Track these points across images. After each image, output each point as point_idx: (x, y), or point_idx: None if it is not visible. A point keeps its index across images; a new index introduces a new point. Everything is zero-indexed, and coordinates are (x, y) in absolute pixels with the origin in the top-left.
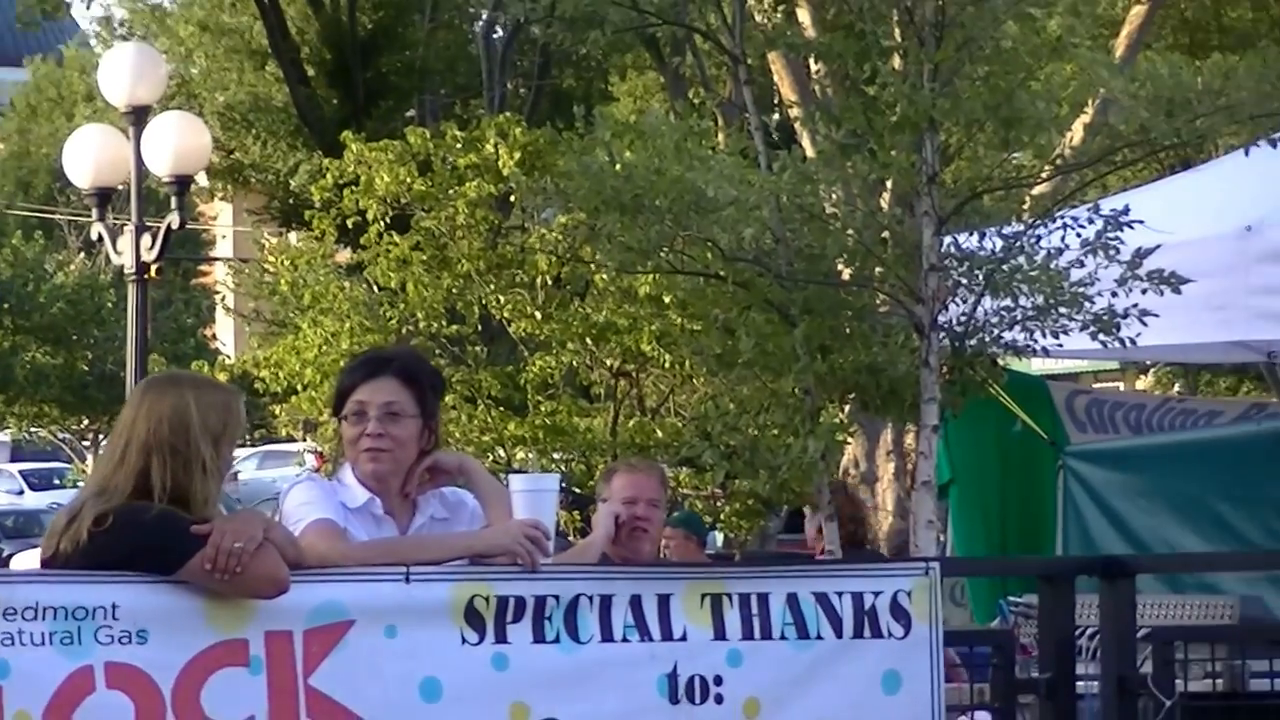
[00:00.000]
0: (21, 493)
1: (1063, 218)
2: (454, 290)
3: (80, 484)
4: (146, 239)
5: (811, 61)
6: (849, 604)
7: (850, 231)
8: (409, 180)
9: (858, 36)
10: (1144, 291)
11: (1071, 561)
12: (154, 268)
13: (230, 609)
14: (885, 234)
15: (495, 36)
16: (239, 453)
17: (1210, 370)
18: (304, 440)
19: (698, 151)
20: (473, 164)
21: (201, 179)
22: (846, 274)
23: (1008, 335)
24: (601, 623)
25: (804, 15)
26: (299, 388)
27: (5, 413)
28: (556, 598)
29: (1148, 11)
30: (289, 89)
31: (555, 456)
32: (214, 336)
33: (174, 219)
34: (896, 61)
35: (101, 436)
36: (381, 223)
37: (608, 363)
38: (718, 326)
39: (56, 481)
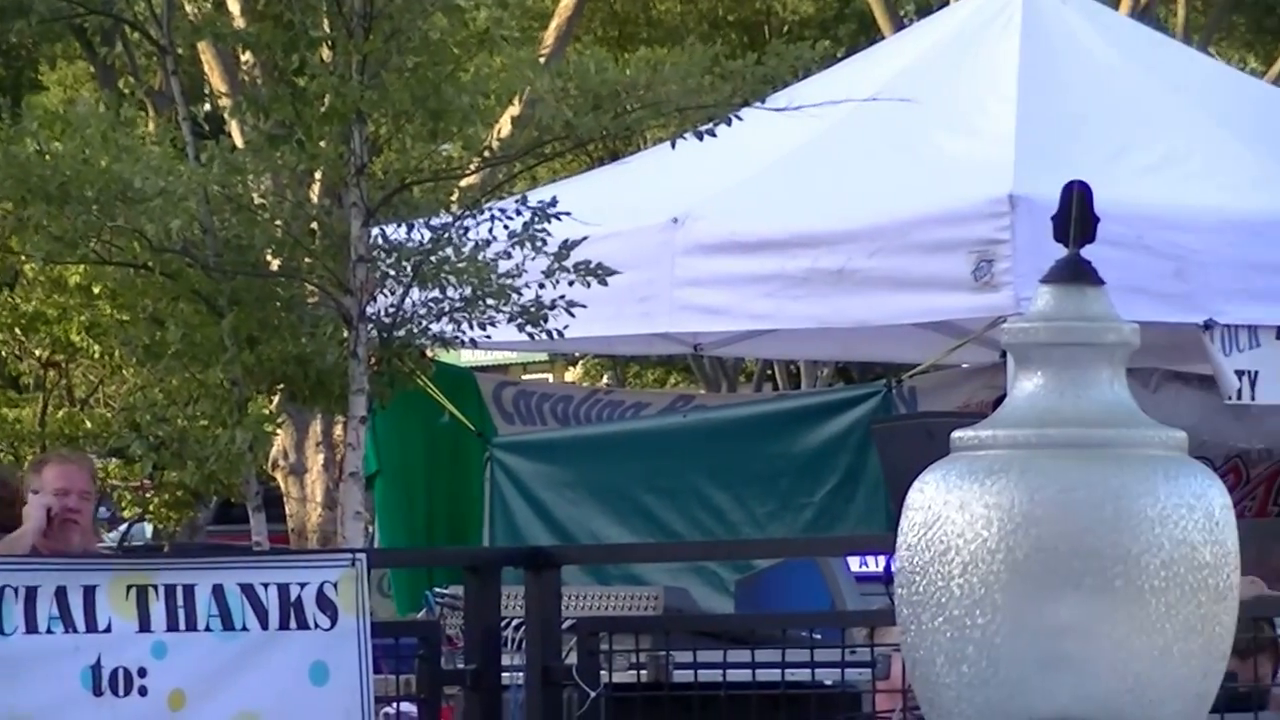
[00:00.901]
0: None
1: (491, 209)
2: None
3: None
4: None
5: (241, 52)
6: (274, 595)
7: (278, 222)
8: None
9: (286, 27)
10: (571, 283)
11: (497, 552)
12: None
13: None
14: (314, 225)
15: None
16: None
17: (638, 362)
18: None
19: (125, 142)
20: None
21: None
22: (275, 265)
23: (436, 327)
24: (26, 615)
25: (234, 5)
26: None
27: None
28: None
29: (576, 4)
30: None
31: None
32: None
33: None
34: (325, 53)
35: None
36: None
37: (37, 353)
38: (146, 317)
39: None
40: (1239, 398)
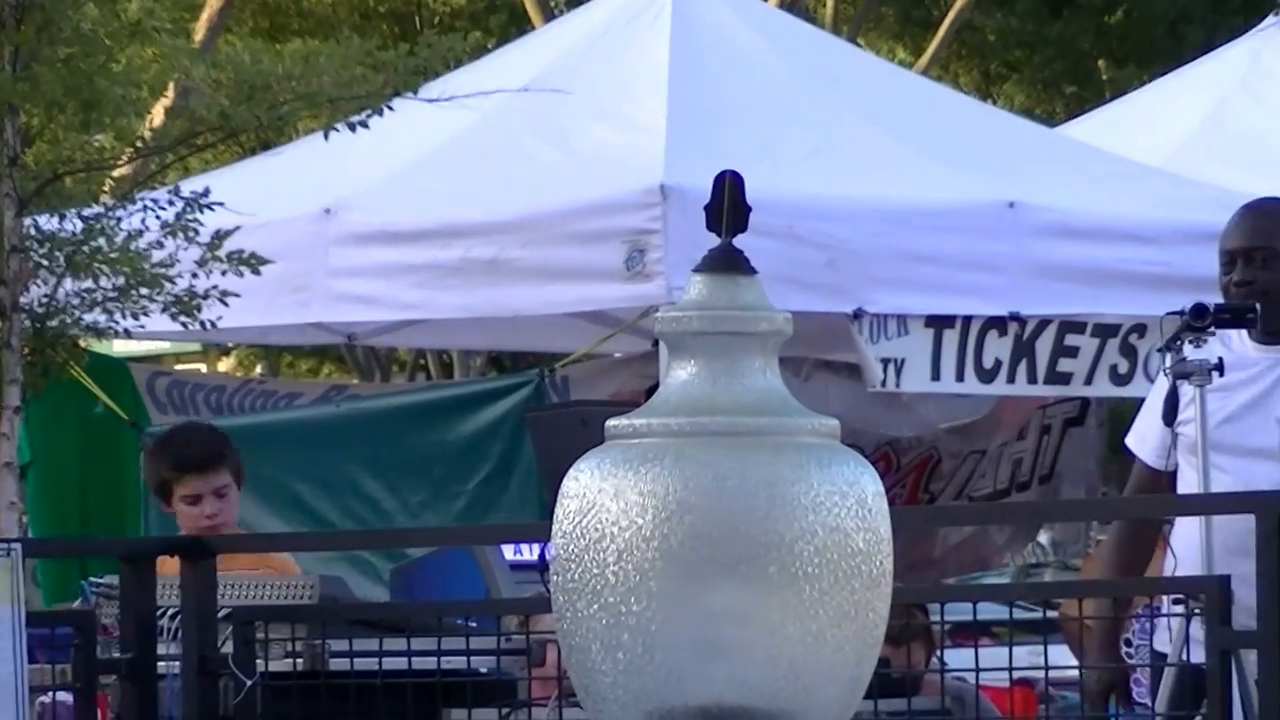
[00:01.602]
0: None
1: (144, 200)
2: None
3: None
4: None
5: None
6: None
7: None
8: None
9: None
10: (224, 273)
11: (153, 542)
12: None
13: None
14: None
15: None
16: None
17: (292, 352)
18: None
19: None
20: None
21: None
22: None
23: (89, 317)
24: None
25: None
26: None
27: None
28: None
29: None
30: None
31: None
32: None
33: None
34: None
35: None
36: None
37: None
38: None
39: None
40: (883, 386)
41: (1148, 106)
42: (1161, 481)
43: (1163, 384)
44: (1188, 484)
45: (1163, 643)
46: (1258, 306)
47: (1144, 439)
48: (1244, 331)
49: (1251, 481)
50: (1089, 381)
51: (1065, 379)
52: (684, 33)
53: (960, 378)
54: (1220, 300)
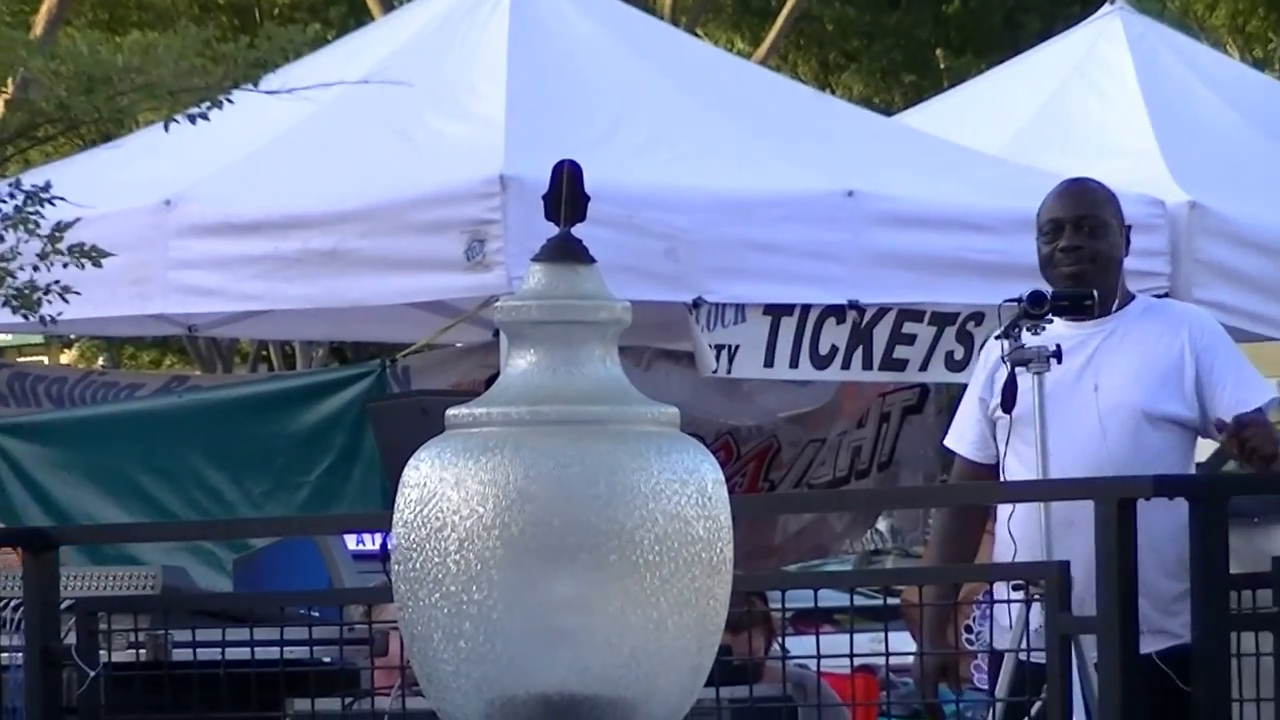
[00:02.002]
0: None
1: None
2: None
3: None
4: None
5: None
6: None
7: None
8: None
9: None
10: (65, 265)
11: None
12: None
13: None
14: None
15: None
16: None
17: (133, 344)
18: None
19: None
20: None
21: None
22: None
23: None
24: None
25: None
26: None
27: None
28: None
29: None
30: None
31: None
32: None
33: None
34: None
35: None
36: None
37: None
38: None
39: None
40: (716, 372)
41: (985, 95)
42: (983, 475)
43: (979, 382)
44: (1014, 471)
45: (1000, 629)
46: (1095, 294)
47: (962, 435)
48: (1061, 322)
49: (1069, 453)
50: (924, 368)
51: (901, 365)
52: (523, 23)
53: (795, 364)
54: (1043, 282)
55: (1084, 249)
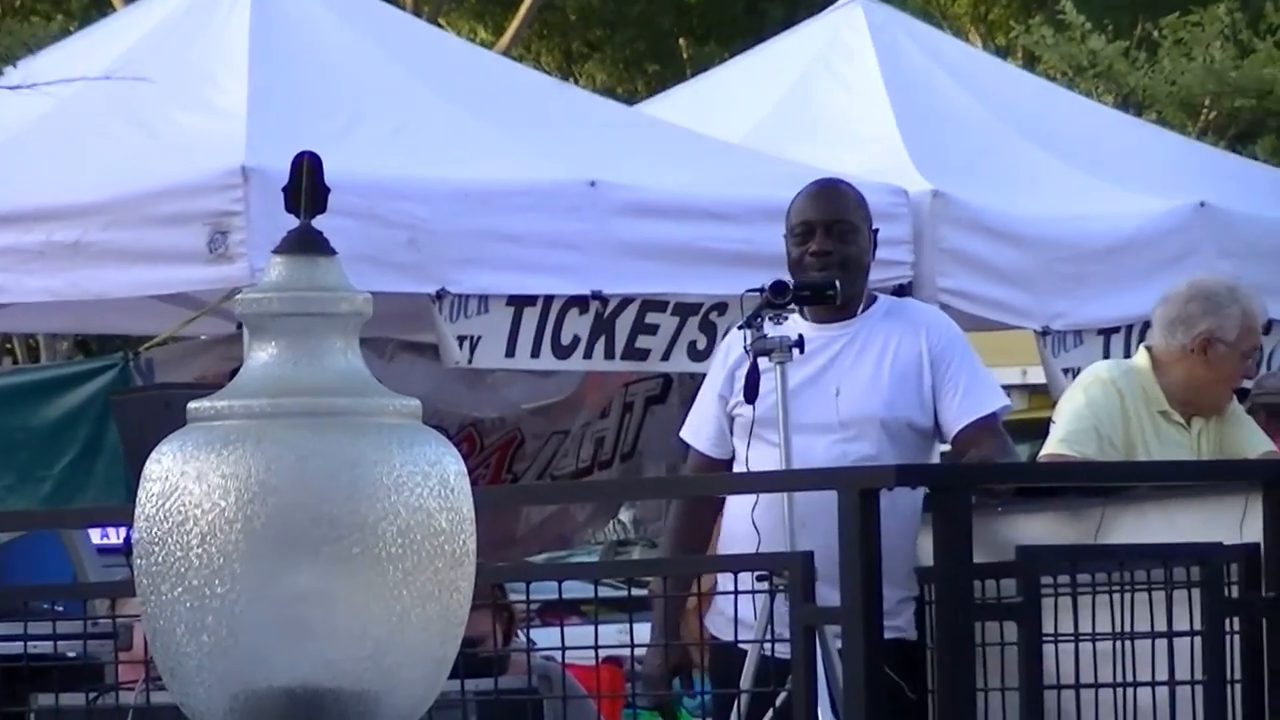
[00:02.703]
0: None
1: None
2: None
3: None
4: None
5: None
6: None
7: None
8: None
9: None
10: None
11: None
12: None
13: None
14: None
15: None
16: None
17: None
18: None
19: None
20: None
21: None
22: None
23: None
24: None
25: None
26: None
27: None
28: None
29: None
30: None
31: None
32: None
33: None
34: None
35: None
36: None
37: None
38: None
39: None
40: (458, 363)
41: (728, 85)
42: (719, 469)
43: (719, 378)
44: (754, 464)
45: (737, 622)
46: (838, 284)
47: (699, 430)
48: (801, 318)
49: (810, 458)
50: (666, 357)
51: (643, 355)
52: (264, 15)
53: (536, 354)
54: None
55: (834, 254)
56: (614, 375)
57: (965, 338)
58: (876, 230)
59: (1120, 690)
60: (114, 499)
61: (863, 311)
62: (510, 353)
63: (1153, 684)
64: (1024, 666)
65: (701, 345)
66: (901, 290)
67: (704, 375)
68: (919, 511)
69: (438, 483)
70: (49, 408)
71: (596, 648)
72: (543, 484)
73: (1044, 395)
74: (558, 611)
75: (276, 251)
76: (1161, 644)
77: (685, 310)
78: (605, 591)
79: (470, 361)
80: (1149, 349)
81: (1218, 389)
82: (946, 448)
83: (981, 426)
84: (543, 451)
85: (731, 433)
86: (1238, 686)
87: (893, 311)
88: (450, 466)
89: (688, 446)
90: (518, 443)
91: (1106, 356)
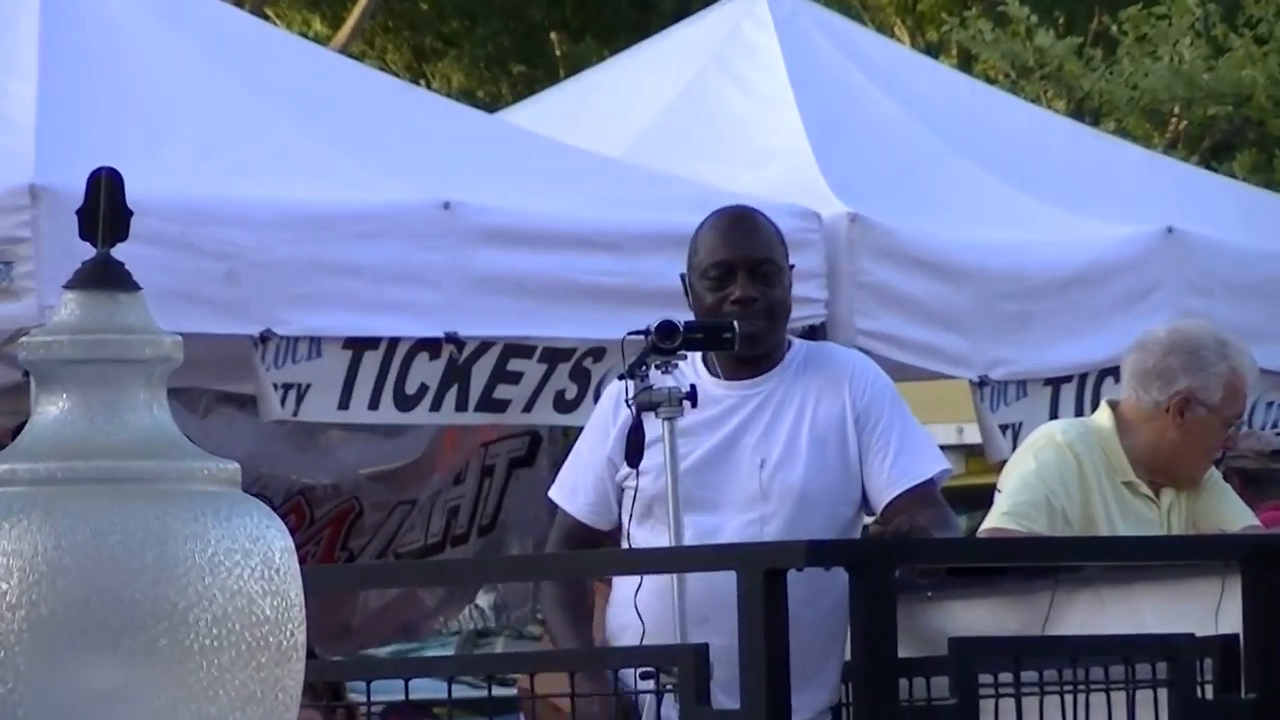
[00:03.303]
0: None
1: None
2: None
3: None
4: None
5: None
6: None
7: None
8: None
9: None
10: None
11: None
12: None
13: None
14: None
15: None
16: None
17: None
18: None
19: None
20: None
21: None
22: None
23: None
24: None
25: None
26: None
27: None
28: None
29: None
30: None
31: None
32: None
33: None
34: None
35: None
36: None
37: None
38: None
39: None
40: (282, 415)
41: (608, 88)
42: (596, 542)
43: (608, 435)
44: (645, 541)
45: None
46: (735, 325)
47: (575, 491)
48: (699, 365)
49: (720, 540)
50: (529, 409)
51: (501, 406)
52: (57, 11)
53: (374, 405)
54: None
55: (759, 301)
56: (471, 434)
57: (895, 389)
58: (793, 266)
59: None
60: None
61: (780, 362)
62: (344, 404)
63: None
64: None
65: (572, 395)
66: (813, 333)
67: (577, 430)
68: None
69: (260, 562)
70: None
71: None
72: (385, 563)
73: (985, 457)
74: (405, 715)
75: (69, 286)
76: None
77: (554, 356)
78: (461, 691)
79: (296, 414)
80: (1113, 405)
81: (1193, 458)
82: (871, 521)
83: (916, 495)
84: (385, 524)
85: (618, 504)
86: None
87: (811, 360)
88: (275, 542)
89: (555, 508)
90: (355, 514)
91: (1055, 410)
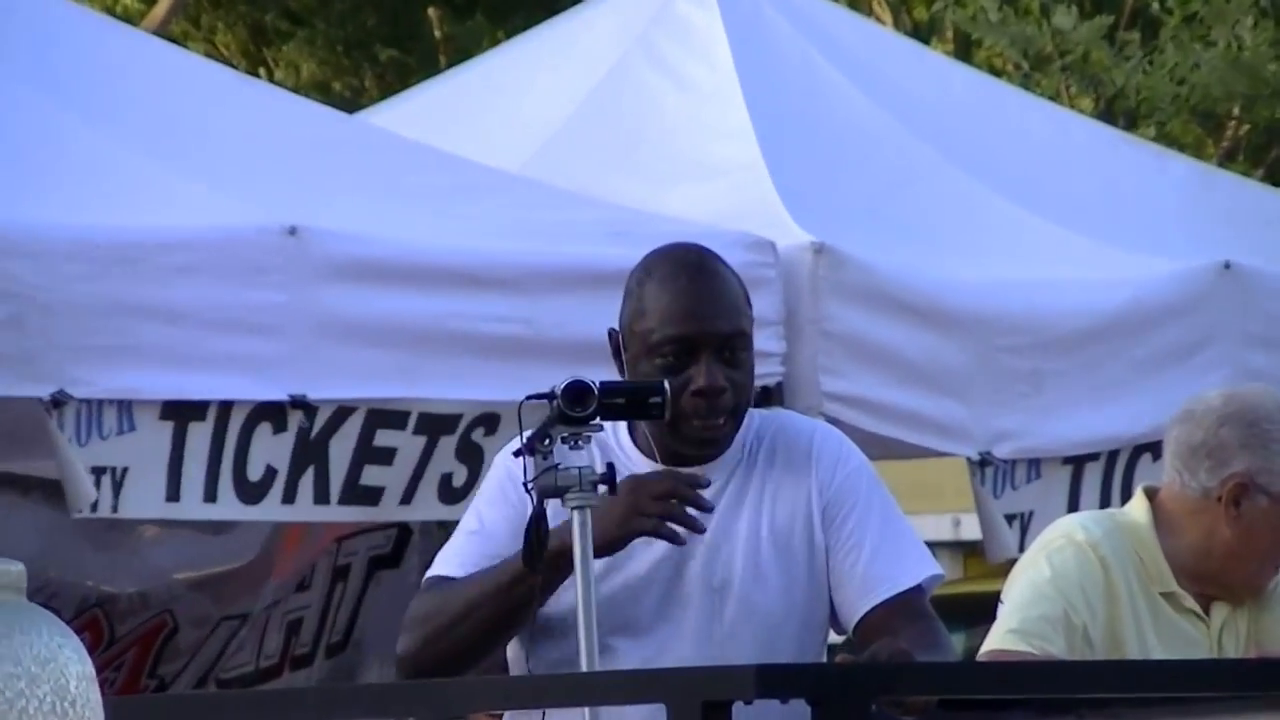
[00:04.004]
0: None
1: None
2: None
3: None
4: None
5: None
6: None
7: None
8: None
9: None
10: None
11: None
12: None
13: None
14: None
15: None
16: None
17: None
18: None
19: None
20: None
21: None
22: None
23: None
24: None
25: None
26: None
27: None
28: None
29: None
30: None
31: None
32: None
33: None
34: None
35: None
36: None
37: None
38: None
39: None
40: (95, 510)
41: (504, 80)
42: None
43: (499, 492)
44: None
45: None
46: (666, 386)
47: (465, 567)
48: (623, 436)
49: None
50: (408, 499)
51: (374, 496)
52: None
53: (212, 497)
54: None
55: (727, 392)
56: (321, 526)
57: (873, 470)
58: (752, 320)
59: None
60: None
61: (732, 445)
62: (174, 495)
63: None
64: None
65: (461, 481)
66: (766, 397)
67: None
68: None
69: (51, 691)
70: None
71: None
72: (205, 693)
73: (986, 558)
74: None
75: None
76: None
77: (434, 426)
78: None
79: (116, 509)
80: (1151, 494)
81: (1252, 562)
82: (839, 640)
83: (898, 607)
84: (206, 644)
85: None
86: None
87: (765, 436)
88: (71, 667)
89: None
90: (168, 631)
91: (1075, 498)
